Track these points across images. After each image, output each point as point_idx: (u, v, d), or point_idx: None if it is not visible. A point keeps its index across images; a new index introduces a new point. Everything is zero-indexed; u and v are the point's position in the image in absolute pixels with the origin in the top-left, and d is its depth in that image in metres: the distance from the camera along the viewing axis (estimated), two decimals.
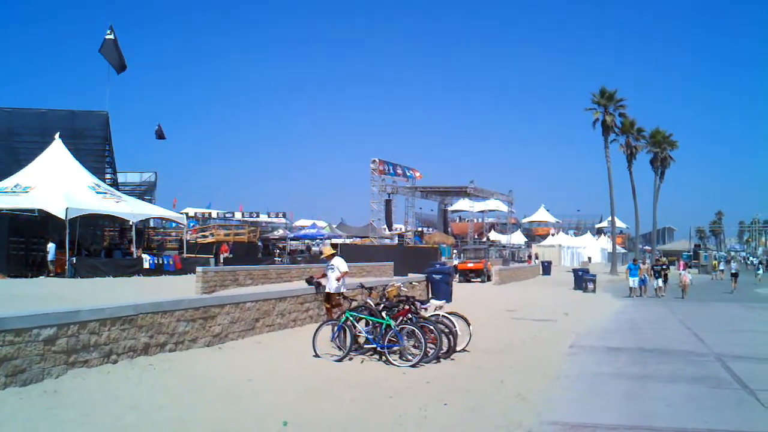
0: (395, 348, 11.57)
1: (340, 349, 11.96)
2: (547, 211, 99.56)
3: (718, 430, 7.73)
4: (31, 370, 8.19)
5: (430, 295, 21.55)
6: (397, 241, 60.37)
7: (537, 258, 57.36)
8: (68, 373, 8.70)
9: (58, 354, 8.60)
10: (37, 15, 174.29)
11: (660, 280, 31.98)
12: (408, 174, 64.75)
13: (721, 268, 54.77)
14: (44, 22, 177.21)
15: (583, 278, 34.97)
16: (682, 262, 38.11)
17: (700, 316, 22.42)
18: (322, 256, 14.60)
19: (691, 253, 75.18)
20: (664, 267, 33.66)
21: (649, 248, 75.17)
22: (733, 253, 74.04)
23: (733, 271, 41.36)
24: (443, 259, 45.08)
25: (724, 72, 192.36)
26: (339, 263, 14.07)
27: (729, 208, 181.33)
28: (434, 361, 11.41)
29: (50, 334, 8.48)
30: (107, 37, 38.27)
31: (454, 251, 53.57)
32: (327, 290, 14.16)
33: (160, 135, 48.83)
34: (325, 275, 14.29)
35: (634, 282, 31.29)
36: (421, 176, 66.70)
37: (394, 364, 11.22)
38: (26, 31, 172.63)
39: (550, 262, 54.07)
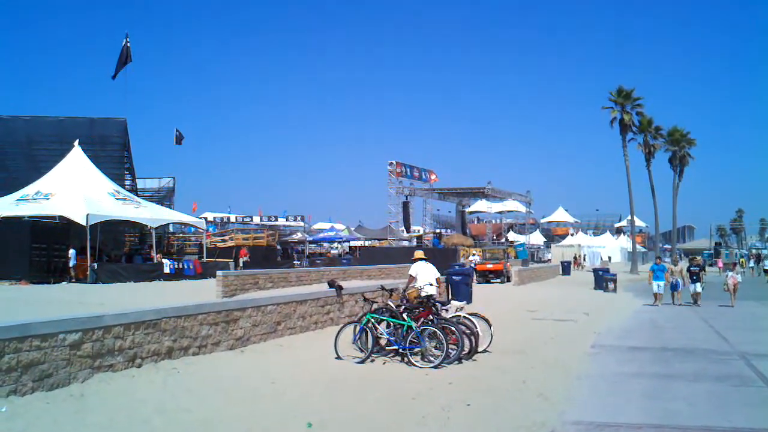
0: (417, 349, 11.58)
1: (362, 351, 11.98)
2: (566, 211, 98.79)
3: (742, 429, 7.68)
4: (58, 374, 8.28)
5: (450, 297, 21.53)
6: (415, 243, 60.28)
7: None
8: (94, 377, 8.78)
9: (83, 358, 8.68)
10: (52, 23, 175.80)
11: (698, 285, 25.34)
12: (424, 177, 64.66)
13: (751, 265, 54.57)
14: (58, 30, 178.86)
15: (603, 278, 34.68)
16: (720, 261, 37.74)
17: (722, 314, 22.19)
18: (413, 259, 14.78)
19: (712, 251, 74.51)
20: (699, 267, 26.25)
21: (669, 247, 74.50)
22: (754, 251, 73.34)
23: (766, 267, 41.88)
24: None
25: (741, 69, 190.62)
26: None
27: (750, 206, 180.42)
28: (456, 362, 11.39)
29: (75, 339, 8.57)
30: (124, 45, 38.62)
31: (473, 252, 53.24)
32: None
33: (178, 140, 49.13)
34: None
35: (659, 287, 25.29)
36: (437, 179, 66.64)
37: (416, 366, 11.23)
38: (42, 39, 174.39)
39: (569, 262, 53.83)
